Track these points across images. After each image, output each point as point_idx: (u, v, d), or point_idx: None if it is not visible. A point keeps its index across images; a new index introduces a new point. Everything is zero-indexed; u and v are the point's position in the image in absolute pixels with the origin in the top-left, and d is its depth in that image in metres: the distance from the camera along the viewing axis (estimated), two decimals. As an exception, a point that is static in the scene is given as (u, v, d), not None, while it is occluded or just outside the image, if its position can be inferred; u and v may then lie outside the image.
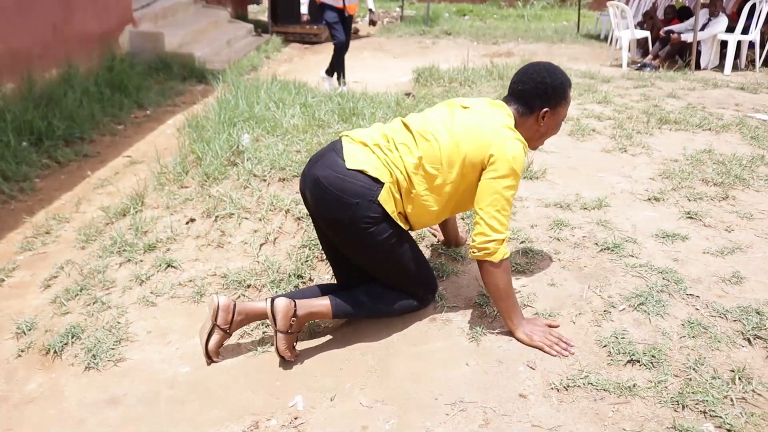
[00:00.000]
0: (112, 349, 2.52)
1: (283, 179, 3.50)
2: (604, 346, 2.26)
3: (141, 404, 2.25)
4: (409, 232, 2.44)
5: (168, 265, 3.00)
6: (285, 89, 5.16)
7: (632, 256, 2.81)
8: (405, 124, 2.37)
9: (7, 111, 5.12)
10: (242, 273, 2.86)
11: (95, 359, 2.46)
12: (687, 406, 1.98)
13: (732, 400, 2.00)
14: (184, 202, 3.52)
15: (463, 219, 3.18)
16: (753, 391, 2.03)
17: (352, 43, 7.66)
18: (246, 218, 3.24)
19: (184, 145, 4.34)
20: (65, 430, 2.17)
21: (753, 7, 7.93)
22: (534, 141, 2.42)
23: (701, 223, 3.11)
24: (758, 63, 8.09)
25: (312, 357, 2.39)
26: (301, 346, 2.44)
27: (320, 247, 2.94)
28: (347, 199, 2.20)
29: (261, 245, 3.04)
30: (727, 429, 1.89)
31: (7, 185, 4.41)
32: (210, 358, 2.40)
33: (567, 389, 2.08)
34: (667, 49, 8.32)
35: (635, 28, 9.03)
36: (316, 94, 5.12)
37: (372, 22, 7.99)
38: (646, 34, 8.99)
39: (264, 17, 12.83)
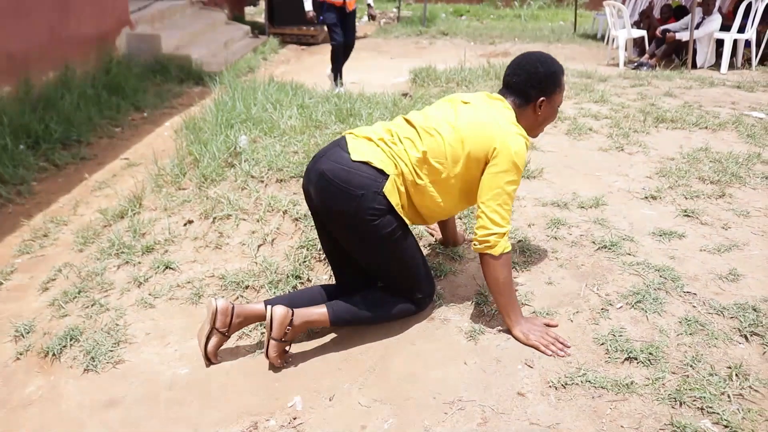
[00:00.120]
0: (111, 351, 2.52)
1: (281, 180, 3.50)
2: (602, 344, 2.27)
3: (140, 406, 2.25)
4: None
5: (166, 267, 3.01)
6: (282, 90, 5.16)
7: (629, 254, 2.81)
8: (408, 121, 2.39)
9: (4, 114, 5.11)
10: (240, 274, 2.87)
11: (94, 361, 2.47)
12: (684, 402, 1.99)
13: (729, 396, 2.00)
14: (181, 203, 3.52)
15: (461, 218, 3.19)
16: (750, 387, 2.04)
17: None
18: (244, 219, 3.24)
19: (182, 147, 4.34)
20: (64, 432, 2.17)
21: (749, 6, 7.95)
22: (534, 130, 2.45)
23: (698, 221, 3.12)
24: (754, 61, 8.11)
25: (310, 357, 2.39)
26: (299, 346, 2.44)
27: (318, 248, 2.94)
28: (352, 191, 2.20)
29: (259, 246, 3.05)
30: (724, 425, 1.90)
31: (5, 188, 4.41)
32: (209, 360, 2.41)
33: (565, 387, 2.09)
34: (663, 48, 8.34)
35: (632, 27, 9.04)
36: (313, 95, 5.12)
37: (371, 17, 7.99)
38: (643, 33, 9.01)
39: (261, 19, 12.82)
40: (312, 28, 11.49)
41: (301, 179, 3.46)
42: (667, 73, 7.21)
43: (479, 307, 2.53)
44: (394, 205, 2.24)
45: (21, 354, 2.62)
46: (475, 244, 2.29)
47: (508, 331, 2.35)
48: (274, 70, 8.97)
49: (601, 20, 11.49)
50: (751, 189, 3.49)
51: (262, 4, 12.94)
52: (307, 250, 2.96)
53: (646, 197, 3.37)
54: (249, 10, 14.24)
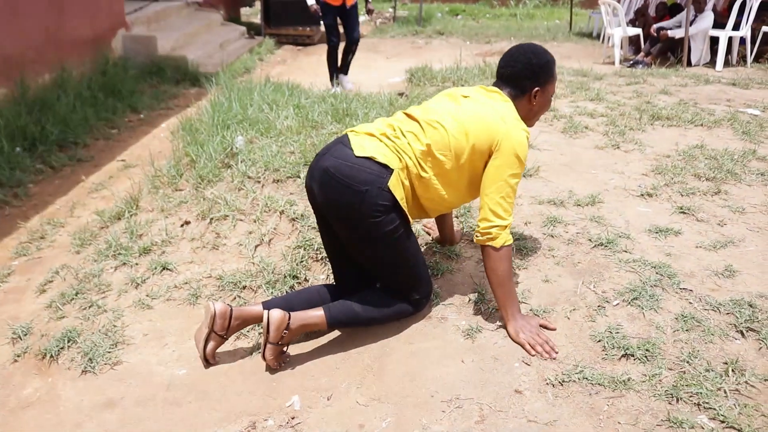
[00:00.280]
0: (109, 352, 2.52)
1: (278, 181, 3.50)
2: (599, 341, 2.28)
3: (138, 407, 2.25)
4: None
5: (163, 268, 3.01)
6: (278, 91, 5.16)
7: (626, 251, 2.82)
8: (409, 115, 2.41)
9: (0, 116, 5.11)
10: (237, 275, 2.87)
11: (92, 363, 2.47)
12: (681, 398, 1.99)
13: (725, 392, 2.01)
14: (178, 204, 3.52)
15: (457, 218, 3.19)
16: (746, 382, 2.05)
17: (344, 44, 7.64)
18: (241, 220, 3.24)
19: (178, 148, 4.34)
20: (62, 434, 2.17)
21: (743, 4, 7.97)
22: (529, 120, 2.47)
23: (694, 218, 3.13)
24: (749, 59, 8.13)
25: (308, 357, 2.39)
26: (297, 346, 2.45)
27: (315, 247, 2.95)
28: (357, 186, 2.21)
29: (256, 247, 3.05)
30: (720, 421, 1.91)
31: (1, 191, 4.41)
32: (207, 362, 2.41)
33: (562, 384, 2.09)
34: (658, 45, 8.36)
35: (627, 25, 9.06)
36: (310, 95, 5.13)
37: (369, 11, 7.99)
38: (638, 31, 9.02)
39: (257, 19, 12.81)
40: (308, 29, 11.49)
41: (298, 179, 3.48)
42: (663, 70, 7.22)
43: (476, 305, 2.54)
44: (399, 200, 2.25)
45: (18, 356, 2.62)
46: (476, 236, 2.32)
47: (506, 327, 2.36)
48: (270, 70, 8.96)
49: (596, 19, 11.51)
50: (747, 185, 3.50)
51: (258, 5, 12.93)
52: (304, 250, 2.96)
53: (642, 195, 3.38)
54: (245, 11, 14.23)
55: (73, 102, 5.93)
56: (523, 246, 2.88)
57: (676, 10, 9.32)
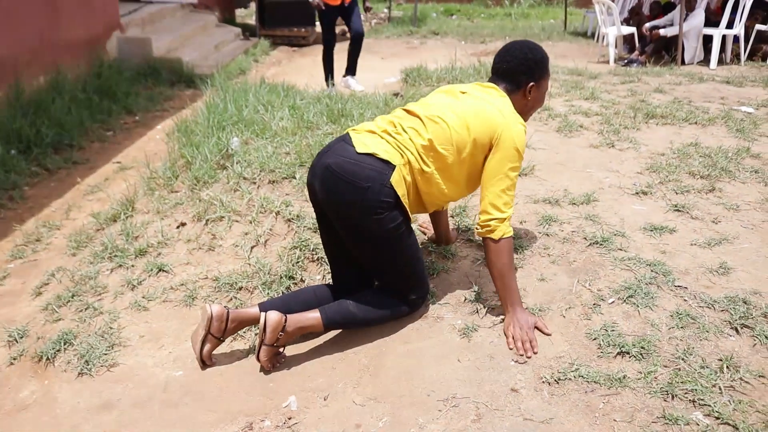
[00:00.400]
0: (105, 354, 2.52)
1: (273, 181, 3.51)
2: (594, 338, 2.28)
3: (135, 408, 2.25)
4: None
5: (159, 270, 3.00)
6: (273, 92, 5.16)
7: (621, 249, 2.83)
8: (409, 111, 2.43)
9: (-5, 119, 5.10)
10: (234, 276, 2.87)
11: (88, 365, 2.47)
12: (676, 395, 2.00)
13: (720, 388, 2.02)
14: (174, 206, 3.52)
15: (453, 217, 3.20)
16: (741, 379, 2.05)
17: (341, 45, 7.62)
18: (236, 221, 3.24)
19: (174, 149, 4.34)
20: (59, 436, 2.17)
21: (737, 2, 7.99)
22: (523, 115, 2.49)
23: (688, 216, 3.14)
24: (743, 57, 8.16)
25: (305, 357, 2.40)
26: (294, 347, 2.45)
27: (311, 248, 2.95)
28: (359, 183, 2.21)
29: (252, 248, 3.05)
30: (715, 417, 1.92)
31: (-3, 194, 4.40)
32: (204, 364, 2.41)
33: (558, 382, 2.10)
34: (652, 44, 8.38)
35: (621, 24, 9.08)
36: (305, 96, 5.13)
37: (367, 9, 7.98)
38: (632, 30, 9.04)
39: (251, 21, 12.81)
40: (303, 30, 11.49)
41: (293, 180, 3.49)
42: (657, 69, 7.24)
43: (472, 304, 2.54)
44: (401, 196, 2.26)
45: (15, 359, 2.62)
46: (477, 229, 2.36)
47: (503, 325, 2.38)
48: (266, 71, 8.96)
49: (591, 18, 11.53)
50: (741, 183, 3.52)
51: (253, 7, 12.92)
52: (300, 250, 2.97)
53: (637, 193, 3.39)
54: (240, 12, 14.23)
55: (68, 104, 5.92)
56: (519, 245, 2.89)
57: (670, 8, 9.35)
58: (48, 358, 2.54)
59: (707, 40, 8.13)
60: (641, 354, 2.18)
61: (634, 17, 9.76)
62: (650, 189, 3.42)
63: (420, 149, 2.30)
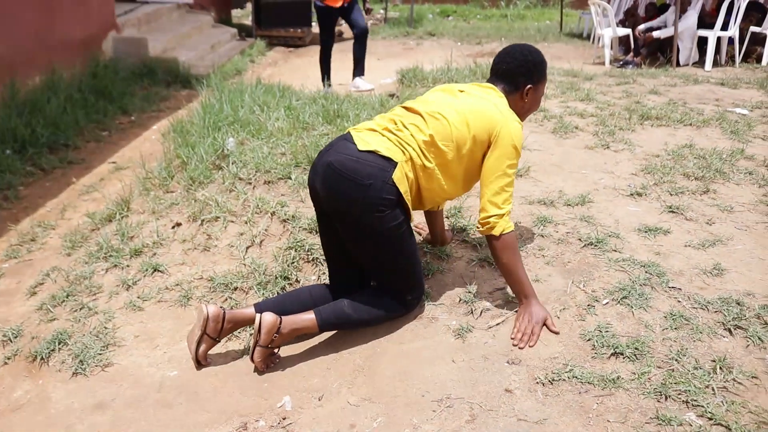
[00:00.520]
0: (100, 354, 2.52)
1: (269, 182, 3.51)
2: (588, 339, 2.29)
3: (129, 408, 2.25)
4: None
5: (154, 270, 3.00)
6: (269, 92, 5.16)
7: (615, 250, 2.84)
8: (408, 108, 2.45)
9: (-10, 119, 5.09)
10: (229, 276, 2.87)
11: (83, 365, 2.46)
12: (670, 396, 2.01)
13: (713, 389, 2.03)
14: (169, 206, 3.52)
15: (448, 218, 3.20)
16: (734, 380, 2.06)
17: (337, 46, 7.62)
18: (232, 221, 3.24)
19: (169, 149, 4.34)
20: (53, 436, 2.17)
21: (731, 4, 8.03)
22: (519, 117, 2.51)
23: (683, 217, 3.15)
24: (738, 59, 8.19)
25: (299, 357, 2.40)
26: (288, 347, 2.45)
27: (306, 249, 2.95)
28: (361, 180, 2.22)
29: (247, 248, 3.05)
30: (708, 418, 1.92)
31: (-9, 193, 4.39)
32: (199, 364, 2.41)
33: (552, 383, 2.11)
34: (646, 47, 8.41)
35: (617, 26, 9.11)
36: (301, 96, 5.13)
37: (368, 11, 7.97)
38: (628, 31, 9.07)
39: (248, 21, 12.80)
40: (299, 30, 11.49)
41: (289, 181, 3.49)
42: (652, 71, 7.27)
43: (467, 305, 2.55)
44: (403, 193, 2.27)
45: (9, 359, 2.61)
46: (478, 227, 2.39)
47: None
48: (262, 72, 8.96)
49: (587, 19, 11.56)
50: (735, 184, 3.53)
51: (249, 7, 12.91)
52: (296, 251, 2.97)
53: (632, 194, 3.40)
54: (236, 13, 14.21)
55: (64, 104, 5.91)
56: (514, 246, 2.90)
57: (665, 10, 9.38)
58: (42, 358, 2.54)
59: (702, 42, 8.16)
60: (635, 355, 2.19)
61: (629, 19, 9.79)
62: (645, 190, 3.43)
63: (422, 145, 2.32)
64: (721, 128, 4.53)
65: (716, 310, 2.41)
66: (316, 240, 2.97)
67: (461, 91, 2.47)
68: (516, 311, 2.46)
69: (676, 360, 2.16)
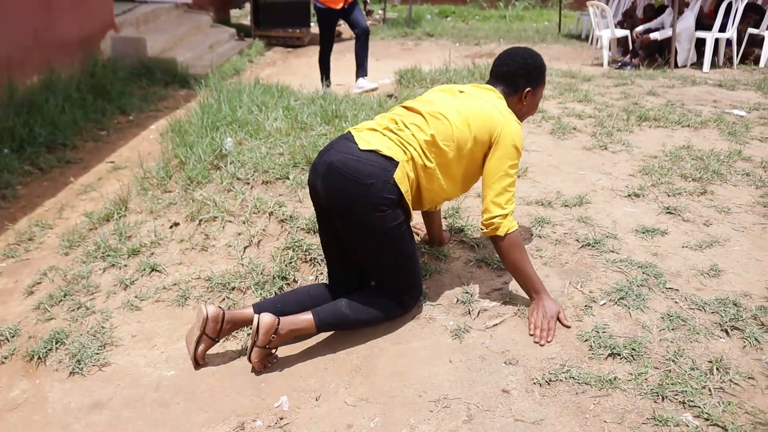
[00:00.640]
0: (97, 353, 2.52)
1: (267, 182, 3.51)
2: (586, 340, 2.29)
3: (126, 408, 2.25)
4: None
5: (152, 270, 3.00)
6: (268, 93, 5.16)
7: (613, 251, 2.84)
8: (409, 108, 2.45)
9: (-12, 118, 5.08)
10: (226, 276, 2.87)
11: (80, 364, 2.46)
12: (666, 397, 2.01)
13: (710, 390, 2.03)
14: (167, 206, 3.52)
15: (446, 218, 3.21)
16: (730, 380, 2.07)
17: (336, 46, 7.61)
18: (230, 221, 3.24)
19: (167, 149, 4.34)
20: (50, 436, 2.17)
21: (729, 6, 8.04)
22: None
23: (680, 218, 3.16)
24: (735, 60, 8.21)
25: (297, 357, 2.40)
26: (286, 347, 2.45)
27: (304, 249, 2.95)
28: (362, 180, 2.22)
29: (245, 248, 3.05)
30: (705, 419, 1.93)
31: (-11, 193, 4.39)
32: (197, 363, 2.41)
33: (549, 384, 2.11)
34: (643, 50, 8.42)
35: (615, 27, 9.12)
36: (299, 97, 5.13)
37: (369, 13, 7.96)
38: (626, 33, 9.09)
39: (246, 21, 12.80)
40: (298, 30, 11.49)
41: (287, 181, 3.49)
42: (650, 72, 7.28)
43: (464, 305, 2.55)
44: (404, 193, 2.27)
45: (6, 358, 2.61)
46: (482, 229, 2.39)
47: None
48: (260, 72, 8.96)
49: (585, 20, 11.58)
50: (732, 186, 3.54)
51: (248, 7, 12.91)
52: (293, 251, 2.97)
53: (629, 195, 3.41)
54: (234, 13, 14.21)
55: (62, 104, 5.90)
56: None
57: (663, 12, 9.39)
58: (39, 358, 2.54)
59: (700, 44, 8.17)
60: (632, 356, 2.19)
61: (627, 20, 9.81)
62: (642, 191, 3.43)
63: (423, 145, 2.32)
64: (718, 129, 4.54)
65: (713, 311, 2.41)
66: (314, 240, 2.97)
67: (461, 92, 2.48)
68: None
69: (673, 361, 2.16)
